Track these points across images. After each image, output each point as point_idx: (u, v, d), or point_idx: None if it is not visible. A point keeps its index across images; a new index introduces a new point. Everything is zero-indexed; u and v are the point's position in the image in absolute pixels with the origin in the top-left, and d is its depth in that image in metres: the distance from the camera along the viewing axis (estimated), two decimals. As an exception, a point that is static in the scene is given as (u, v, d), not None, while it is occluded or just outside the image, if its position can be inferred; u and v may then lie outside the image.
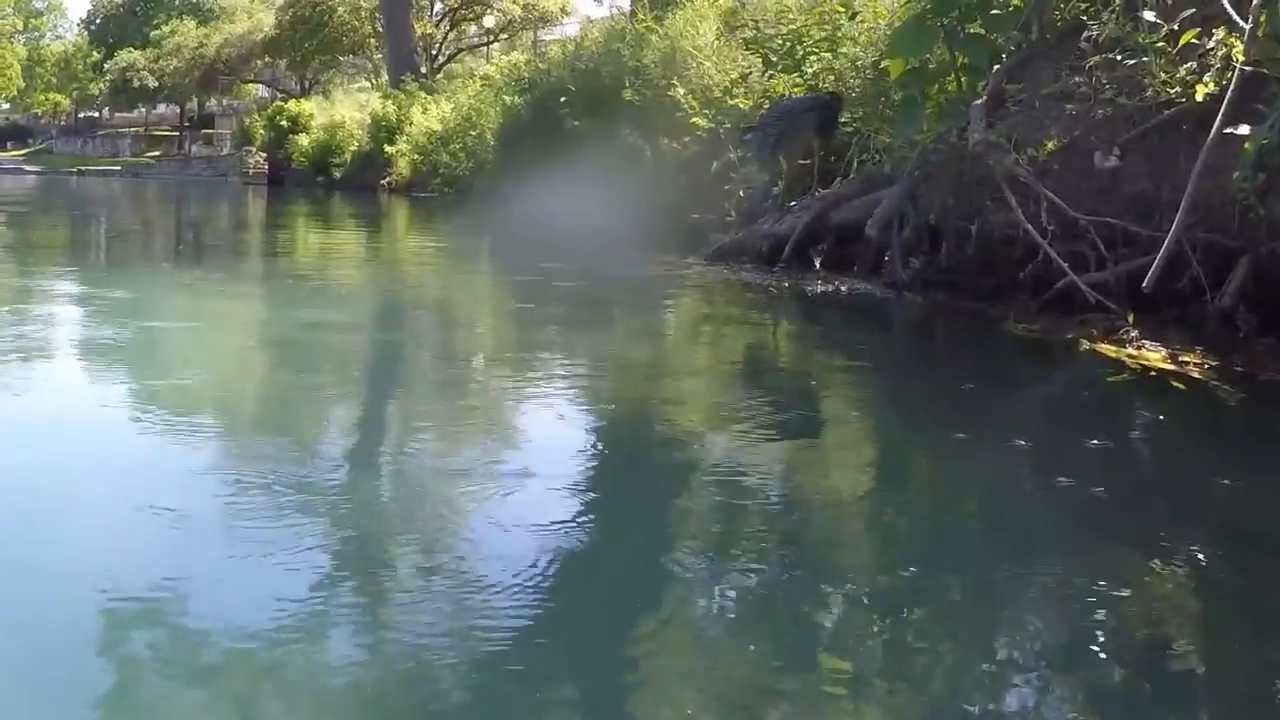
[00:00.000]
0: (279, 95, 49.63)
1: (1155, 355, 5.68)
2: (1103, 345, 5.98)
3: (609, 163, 18.46)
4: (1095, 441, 4.38)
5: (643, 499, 3.64)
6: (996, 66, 8.36)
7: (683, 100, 17.34)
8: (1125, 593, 2.84)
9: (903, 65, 8.29)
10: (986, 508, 3.69)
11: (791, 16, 17.45)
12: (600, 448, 4.24)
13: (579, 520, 3.28)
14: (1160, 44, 7.18)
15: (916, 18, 8.20)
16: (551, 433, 4.39)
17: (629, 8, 23.40)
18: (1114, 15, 7.70)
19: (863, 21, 15.35)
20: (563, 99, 19.55)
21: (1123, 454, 4.34)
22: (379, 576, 2.89)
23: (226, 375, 5.53)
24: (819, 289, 8.22)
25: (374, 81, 43.87)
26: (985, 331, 6.91)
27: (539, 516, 3.22)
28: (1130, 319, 6.10)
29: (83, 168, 52.34)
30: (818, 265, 8.96)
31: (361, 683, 2.29)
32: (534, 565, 2.86)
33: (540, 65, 22.31)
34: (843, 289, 8.15)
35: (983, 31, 8.32)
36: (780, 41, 17.05)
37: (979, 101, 7.76)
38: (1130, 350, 5.81)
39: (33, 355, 5.61)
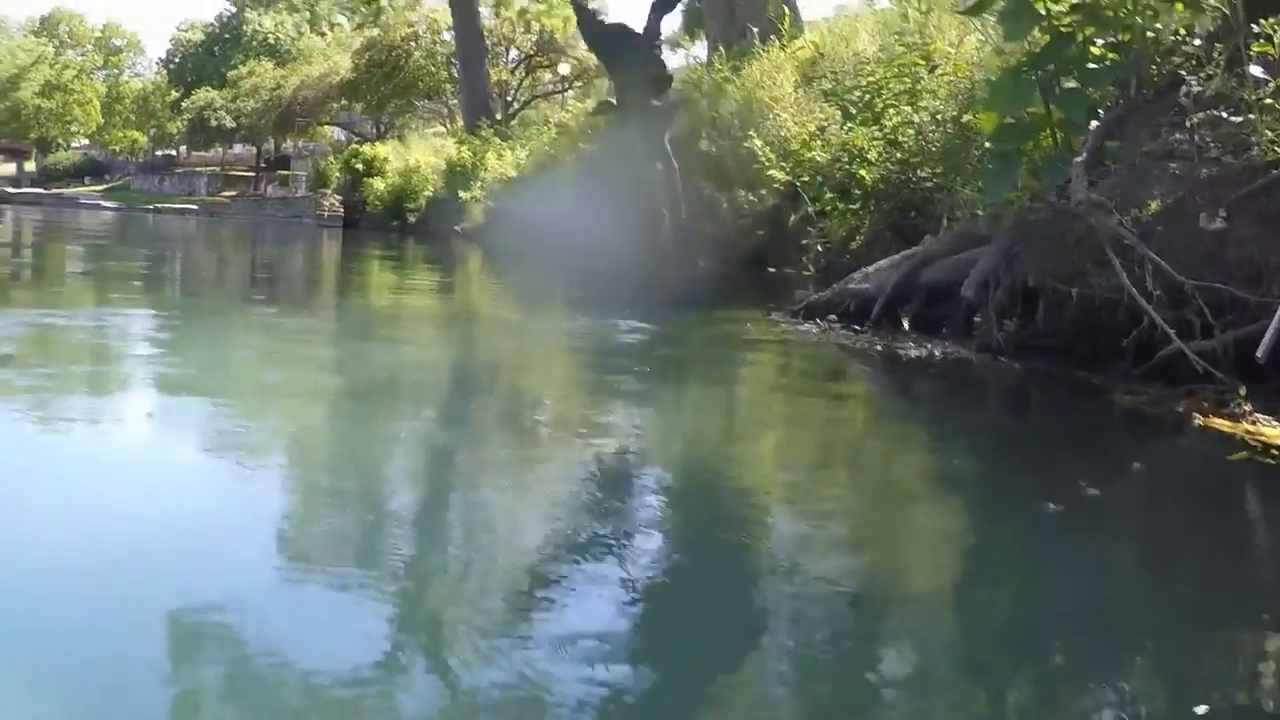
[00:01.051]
0: (354, 138, 50.04)
1: (1273, 431, 5.36)
2: (1216, 420, 5.65)
3: (686, 214, 18.37)
4: (1216, 527, 4.12)
5: (718, 576, 3.43)
6: (1094, 123, 8.13)
7: (760, 152, 17.22)
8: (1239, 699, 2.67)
9: (997, 120, 8.05)
10: (1097, 602, 3.38)
11: (871, 68, 17.32)
12: (676, 519, 4.06)
13: (647, 596, 3.16)
14: (1268, 100, 6.95)
15: (1012, 71, 7.97)
16: (619, 499, 4.23)
17: (706, 58, 23.36)
18: (1217, 70, 7.48)
19: (943, 74, 15.19)
20: (638, 149, 19.45)
21: (1246, 541, 4.06)
22: (450, 635, 2.88)
23: (299, 418, 5.53)
24: (913, 352, 7.94)
25: (449, 126, 44.18)
26: (1088, 401, 6.58)
27: (605, 598, 3.12)
28: (1241, 391, 5.82)
29: (159, 205, 53.05)
30: (906, 325, 8.73)
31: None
32: (599, 649, 2.77)
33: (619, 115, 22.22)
34: (936, 352, 7.86)
35: (1079, 86, 8.09)
36: (860, 94, 16.91)
37: (1080, 159, 7.52)
38: (1246, 425, 5.48)
39: (110, 391, 5.74)
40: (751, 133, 17.82)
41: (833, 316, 9.10)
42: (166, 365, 6.74)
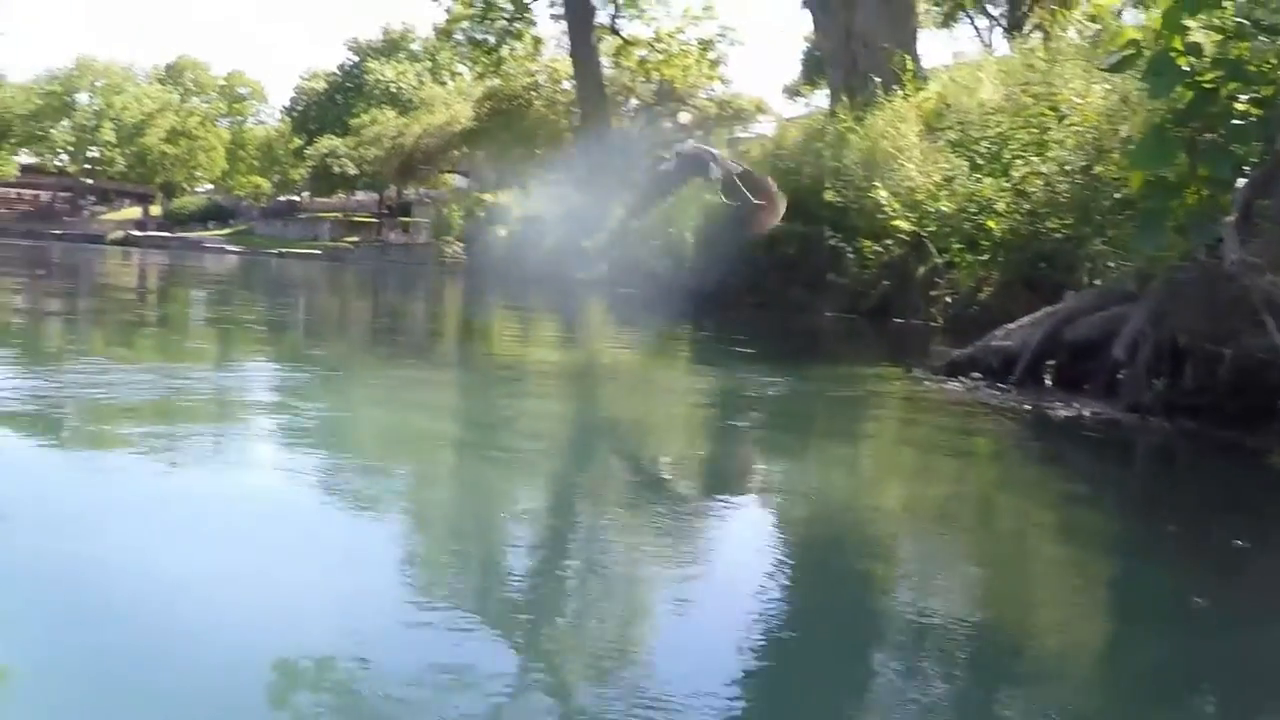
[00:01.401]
0: (475, 186, 50.71)
1: None
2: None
3: (811, 264, 18.39)
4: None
5: (864, 632, 3.39)
6: (1240, 180, 8.07)
7: (885, 202, 17.23)
8: None
9: (1143, 177, 8.03)
10: (1251, 662, 3.28)
11: (997, 119, 17.26)
12: (827, 580, 4.00)
13: (775, 667, 3.08)
14: None
15: (1156, 129, 7.95)
16: (744, 564, 4.13)
17: (829, 106, 23.42)
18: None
19: (1070, 124, 15.12)
20: (763, 199, 19.50)
21: None
22: (580, 686, 2.88)
23: (428, 469, 5.63)
24: (1061, 412, 7.77)
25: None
26: (1241, 462, 6.45)
27: (728, 664, 3.07)
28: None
29: (283, 250, 54.06)
30: (1050, 383, 8.66)
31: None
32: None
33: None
34: (1085, 412, 7.69)
35: (1224, 142, 8.03)
36: (987, 145, 16.86)
37: (1232, 219, 7.47)
38: None
39: (237, 440, 5.87)
40: (876, 183, 17.83)
41: (976, 374, 9.01)
42: (294, 415, 6.80)
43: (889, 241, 17.03)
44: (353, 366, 10.27)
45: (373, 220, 61.38)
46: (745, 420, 7.81)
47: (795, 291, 18.68)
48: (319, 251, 53.35)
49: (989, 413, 8.04)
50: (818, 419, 8.08)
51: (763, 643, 3.27)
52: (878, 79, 20.63)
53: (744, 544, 4.49)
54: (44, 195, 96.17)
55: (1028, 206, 14.89)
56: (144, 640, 2.92)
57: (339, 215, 65.70)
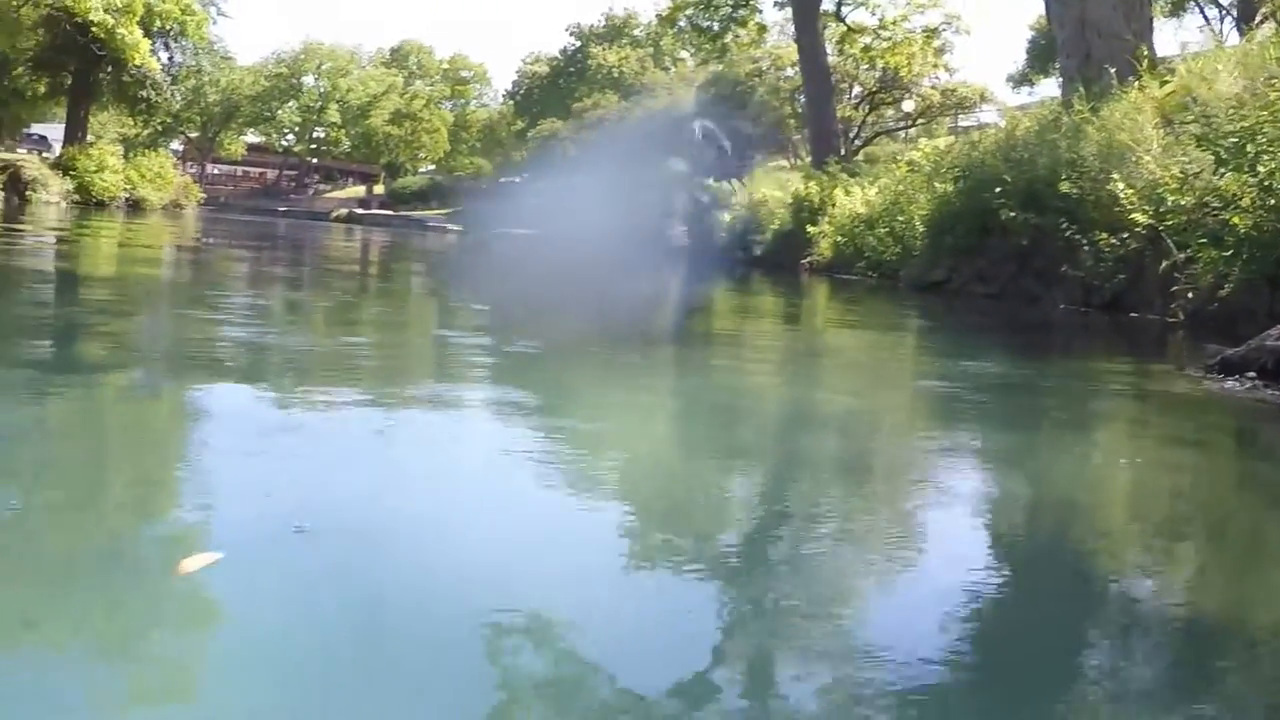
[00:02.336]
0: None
1: None
2: None
3: (1044, 255, 18.37)
4: None
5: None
6: None
7: (1122, 195, 17.13)
8: None
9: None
10: None
11: (1245, 112, 16.99)
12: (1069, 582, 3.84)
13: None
14: None
15: None
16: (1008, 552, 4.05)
17: (1060, 95, 23.24)
18: None
19: (1323, 119, 14.85)
20: (997, 189, 19.53)
21: None
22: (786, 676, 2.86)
23: (644, 454, 5.71)
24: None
25: (792, 161, 44.83)
26: None
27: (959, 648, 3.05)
28: None
29: (503, 229, 55.21)
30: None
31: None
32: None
33: (974, 153, 22.29)
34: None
35: None
36: (1234, 139, 16.62)
37: None
38: None
39: (458, 410, 6.21)
40: (1114, 175, 17.73)
41: (1250, 374, 8.72)
42: (515, 390, 7.19)
43: (1125, 235, 16.92)
44: (563, 343, 10.63)
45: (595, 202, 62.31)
46: (1019, 410, 7.72)
47: (1027, 282, 18.68)
48: (536, 231, 54.38)
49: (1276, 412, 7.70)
50: (1086, 416, 7.82)
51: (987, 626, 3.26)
52: (1112, 69, 20.45)
53: (1014, 533, 4.52)
54: (270, 174, 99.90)
55: (1273, 202, 14.70)
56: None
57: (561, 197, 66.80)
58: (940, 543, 4.20)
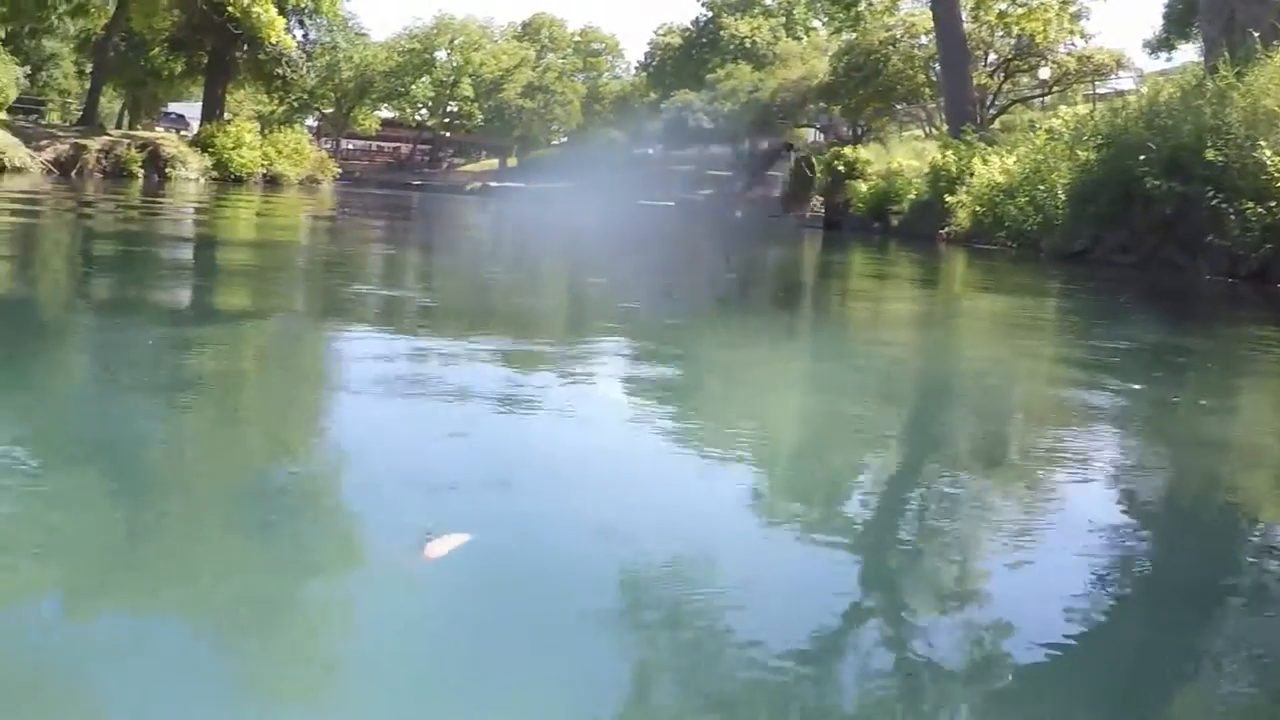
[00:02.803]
0: (832, 140, 51.19)
1: None
2: None
3: (1189, 224, 18.26)
4: None
5: None
6: None
7: (1269, 162, 17.03)
8: None
9: None
10: None
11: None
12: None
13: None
14: None
15: None
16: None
17: (1203, 61, 22.96)
18: None
19: None
20: (1141, 157, 19.40)
21: None
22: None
23: (777, 420, 5.77)
24: None
25: (927, 130, 44.63)
26: None
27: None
28: None
29: (638, 200, 55.68)
30: None
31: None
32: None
33: (1116, 120, 22.11)
34: None
35: None
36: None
37: None
38: None
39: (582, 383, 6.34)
40: (1261, 142, 17.61)
41: None
42: (657, 359, 7.39)
43: (1273, 203, 16.82)
44: (701, 313, 10.85)
45: (727, 174, 62.43)
46: (1180, 374, 7.69)
47: (1171, 251, 18.59)
48: (673, 203, 54.76)
49: None
50: (1265, 382, 7.82)
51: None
52: (1255, 33, 20.20)
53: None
54: (404, 148, 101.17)
55: None
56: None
57: (692, 168, 67.00)
58: (1100, 505, 4.26)
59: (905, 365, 8.16)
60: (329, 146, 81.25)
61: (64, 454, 4.03)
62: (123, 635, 2.57)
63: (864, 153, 37.03)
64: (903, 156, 34.23)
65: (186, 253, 14.53)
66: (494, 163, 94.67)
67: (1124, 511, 4.29)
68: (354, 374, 5.99)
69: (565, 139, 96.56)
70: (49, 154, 38.17)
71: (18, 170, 35.00)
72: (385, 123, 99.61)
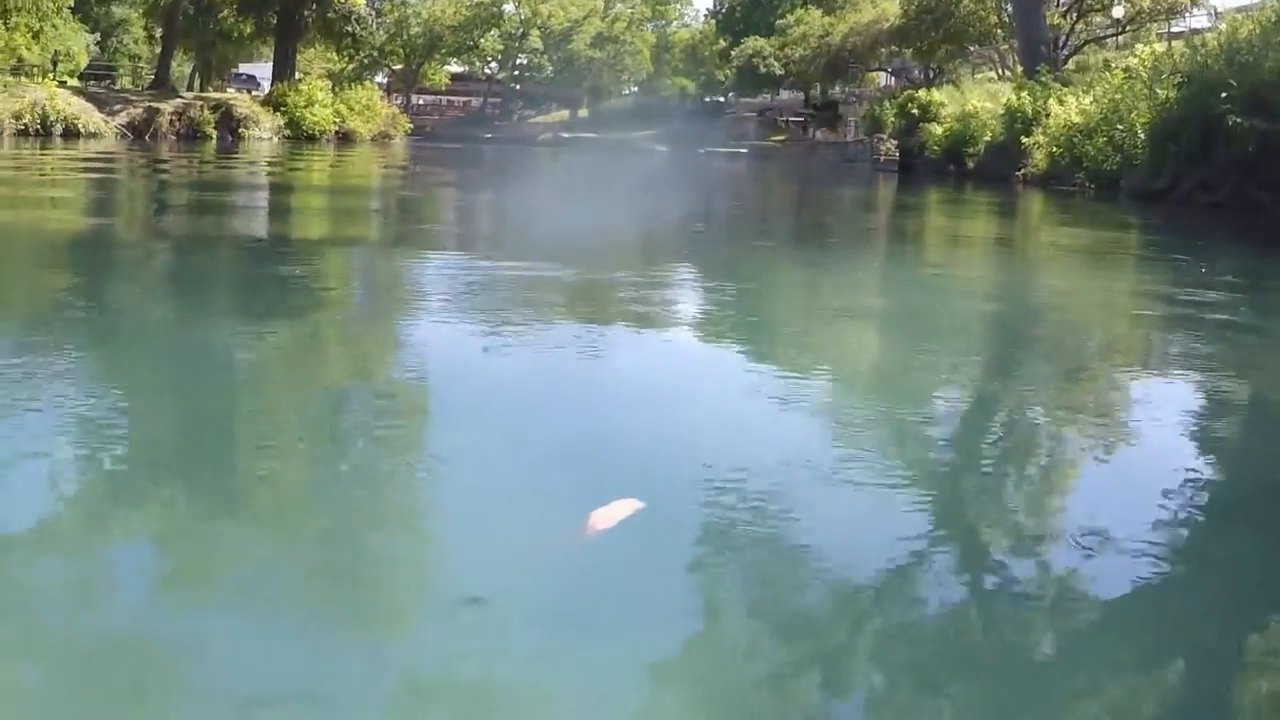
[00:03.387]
0: (904, 83, 50.85)
1: None
2: None
3: (1272, 163, 18.08)
4: None
5: None
6: None
7: None
8: None
9: None
10: None
11: None
12: None
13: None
14: None
15: None
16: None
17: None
18: None
19: None
20: (1222, 94, 19.20)
21: None
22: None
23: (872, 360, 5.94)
24: None
25: (1000, 72, 44.20)
26: None
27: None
28: None
29: (709, 149, 55.65)
30: None
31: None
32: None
33: (1196, 57, 21.87)
34: None
35: None
36: None
37: None
38: None
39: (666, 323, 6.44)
40: None
41: None
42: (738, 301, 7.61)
43: None
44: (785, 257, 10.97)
45: (798, 119, 62.24)
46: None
47: (1253, 191, 18.44)
48: (745, 150, 54.71)
49: None
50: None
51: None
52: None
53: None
54: (475, 102, 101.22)
55: None
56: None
57: (764, 115, 66.77)
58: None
59: (996, 301, 8.35)
60: (399, 102, 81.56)
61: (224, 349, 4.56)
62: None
63: (938, 95, 36.83)
64: (977, 99, 34.00)
65: (285, 198, 14.92)
66: (564, 114, 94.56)
67: (1206, 450, 4.31)
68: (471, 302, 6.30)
69: (635, 89, 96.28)
70: (123, 118, 38.74)
71: (92, 135, 35.65)
72: (455, 77, 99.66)
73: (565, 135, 73.39)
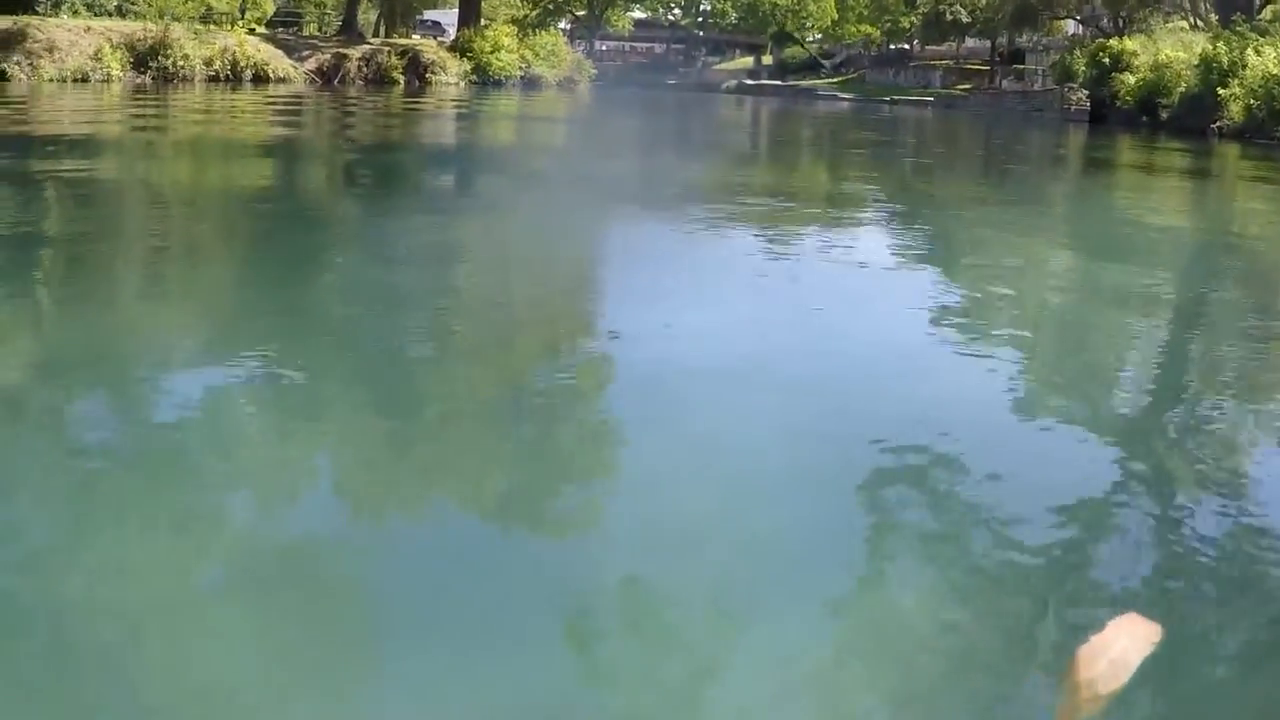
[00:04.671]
0: (1093, 32, 49.69)
1: None
2: None
3: None
4: None
5: None
6: None
7: None
8: None
9: None
10: None
11: None
12: None
13: None
14: None
15: None
16: None
17: None
18: None
19: None
20: None
21: None
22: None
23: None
24: None
25: (1192, 21, 42.99)
26: None
27: None
28: None
29: (894, 97, 55.06)
30: None
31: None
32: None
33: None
34: None
35: None
36: None
37: None
38: None
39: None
40: None
41: None
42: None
43: None
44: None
45: (985, 68, 61.07)
46: None
47: None
48: (931, 99, 54.02)
49: None
50: None
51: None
52: None
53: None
54: (658, 48, 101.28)
55: None
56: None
57: (950, 63, 65.65)
58: None
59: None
60: (582, 49, 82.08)
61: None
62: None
63: (1130, 45, 35.99)
64: (1169, 49, 33.16)
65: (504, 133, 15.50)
66: (748, 60, 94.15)
67: None
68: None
69: (819, 36, 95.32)
70: (311, 64, 39.96)
71: (281, 80, 36.92)
72: (638, 23, 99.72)
73: (749, 82, 73.11)
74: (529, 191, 9.47)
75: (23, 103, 20.59)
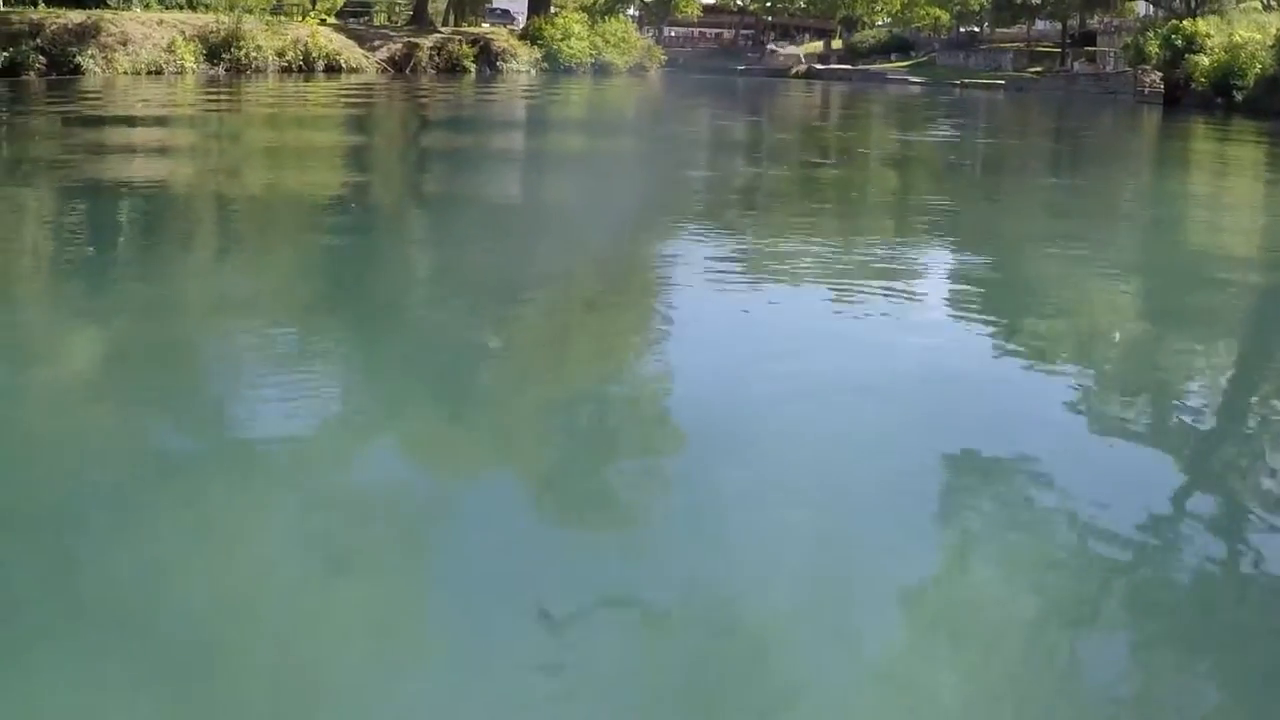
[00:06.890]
0: (1164, 13, 49.17)
1: None
2: None
3: None
4: None
5: None
6: None
7: None
8: None
9: None
10: None
11: None
12: None
13: None
14: None
15: None
16: None
17: None
18: None
19: None
20: None
21: None
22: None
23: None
24: None
25: (1265, 1, 42.42)
26: None
27: None
28: None
29: (965, 81, 54.73)
30: None
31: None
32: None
33: None
34: None
35: None
36: None
37: None
38: None
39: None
40: None
41: None
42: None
43: None
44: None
45: (1056, 50, 60.51)
46: None
47: None
48: (1002, 82, 53.67)
49: None
50: None
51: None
52: None
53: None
54: (727, 33, 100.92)
55: None
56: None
57: (1021, 46, 65.09)
58: None
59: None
60: (650, 35, 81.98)
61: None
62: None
63: (1204, 26, 35.64)
64: (1244, 30, 32.84)
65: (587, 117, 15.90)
66: (818, 45, 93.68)
67: None
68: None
69: (888, 19, 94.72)
70: (383, 53, 40.37)
71: (353, 70, 37.31)
72: (706, 9, 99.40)
73: (819, 67, 72.79)
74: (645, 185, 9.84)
75: (98, 95, 20.96)
